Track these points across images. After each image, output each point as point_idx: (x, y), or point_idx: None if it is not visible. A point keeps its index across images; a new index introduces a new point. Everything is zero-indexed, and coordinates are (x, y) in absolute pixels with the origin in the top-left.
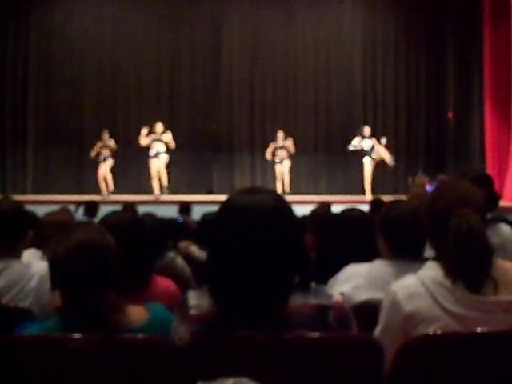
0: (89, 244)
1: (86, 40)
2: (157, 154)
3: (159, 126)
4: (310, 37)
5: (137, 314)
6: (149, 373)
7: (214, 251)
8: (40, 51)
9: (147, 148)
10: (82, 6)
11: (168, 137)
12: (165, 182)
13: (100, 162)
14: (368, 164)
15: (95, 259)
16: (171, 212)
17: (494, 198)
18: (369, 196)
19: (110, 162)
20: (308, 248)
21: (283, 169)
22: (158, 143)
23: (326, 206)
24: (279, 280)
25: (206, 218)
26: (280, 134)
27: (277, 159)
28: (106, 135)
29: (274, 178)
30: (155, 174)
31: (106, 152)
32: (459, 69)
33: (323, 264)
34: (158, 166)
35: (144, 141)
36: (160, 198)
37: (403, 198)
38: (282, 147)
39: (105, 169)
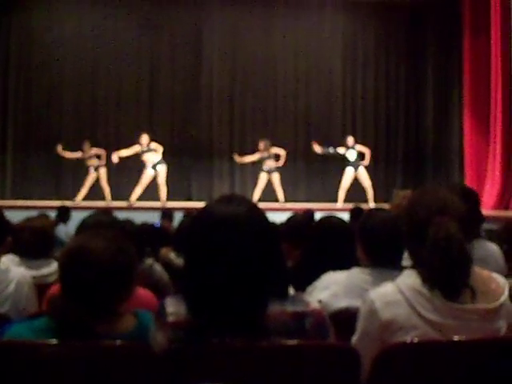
0: (88, 250)
1: (65, 45)
2: (154, 166)
3: (145, 138)
4: (290, 44)
5: (125, 320)
6: (126, 379)
7: (190, 260)
8: (20, 56)
9: (127, 157)
10: (61, 11)
11: (155, 145)
12: (164, 196)
13: (91, 173)
14: (350, 175)
15: (90, 266)
16: (150, 219)
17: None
18: (340, 204)
19: (103, 172)
20: (284, 256)
21: (274, 181)
22: (150, 154)
23: (308, 213)
24: (255, 288)
25: (183, 224)
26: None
27: (265, 168)
28: (86, 146)
29: (253, 185)
30: (145, 182)
31: (94, 162)
32: (439, 78)
33: (301, 272)
34: (157, 179)
35: (125, 153)
36: (133, 205)
37: (383, 206)
38: (271, 157)
39: (100, 180)
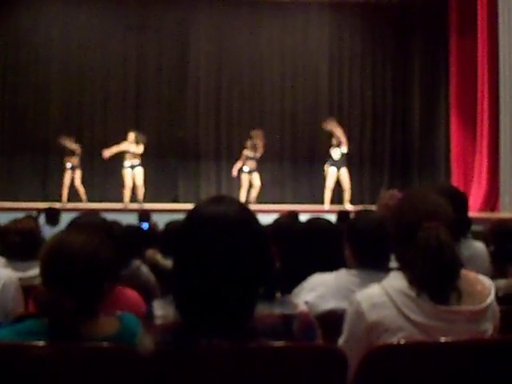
0: (69, 244)
1: (52, 47)
2: (132, 167)
3: (131, 136)
4: (276, 46)
5: (108, 323)
6: (114, 382)
7: (180, 261)
8: (6, 58)
9: (116, 157)
10: (48, 13)
11: (134, 147)
12: (141, 196)
13: (67, 169)
14: (333, 174)
15: (70, 259)
16: (136, 220)
17: (465, 220)
18: (327, 205)
19: (78, 173)
20: (274, 258)
21: (253, 181)
22: (131, 154)
23: (292, 215)
24: (244, 290)
25: (170, 226)
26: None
27: (245, 169)
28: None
29: (240, 186)
30: (129, 183)
31: (74, 160)
32: (425, 80)
33: (288, 273)
34: (135, 180)
35: (115, 149)
36: (128, 206)
37: (371, 207)
38: (253, 158)
39: (75, 181)
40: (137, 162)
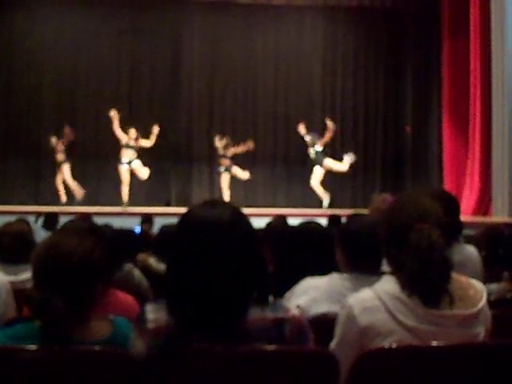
0: (61, 245)
1: (45, 50)
2: (129, 163)
3: (132, 132)
4: (270, 49)
5: (100, 327)
6: None
7: (173, 264)
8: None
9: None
10: (42, 16)
11: (141, 142)
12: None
13: (58, 167)
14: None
15: (62, 259)
16: (129, 224)
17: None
18: (323, 196)
19: (67, 168)
20: (266, 262)
21: (223, 181)
22: (129, 150)
23: (281, 218)
24: (237, 293)
25: (165, 230)
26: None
27: (222, 168)
28: (67, 129)
29: (232, 190)
30: (126, 180)
31: (60, 157)
32: (418, 83)
33: (280, 277)
34: (138, 174)
35: (120, 133)
36: (128, 208)
37: (363, 211)
38: (227, 156)
39: (65, 176)
40: (133, 156)
